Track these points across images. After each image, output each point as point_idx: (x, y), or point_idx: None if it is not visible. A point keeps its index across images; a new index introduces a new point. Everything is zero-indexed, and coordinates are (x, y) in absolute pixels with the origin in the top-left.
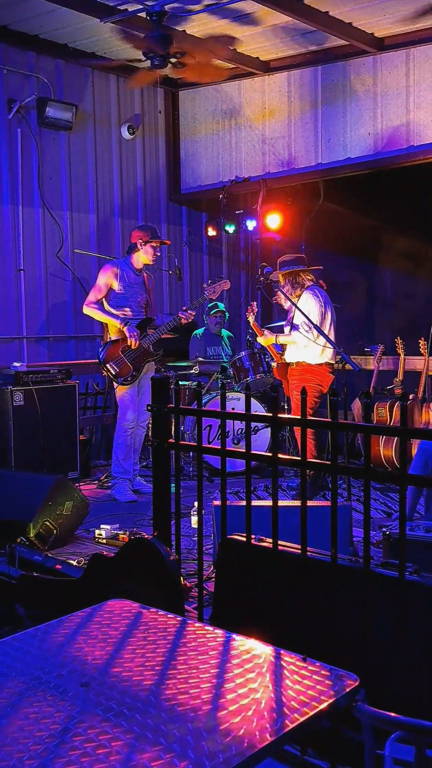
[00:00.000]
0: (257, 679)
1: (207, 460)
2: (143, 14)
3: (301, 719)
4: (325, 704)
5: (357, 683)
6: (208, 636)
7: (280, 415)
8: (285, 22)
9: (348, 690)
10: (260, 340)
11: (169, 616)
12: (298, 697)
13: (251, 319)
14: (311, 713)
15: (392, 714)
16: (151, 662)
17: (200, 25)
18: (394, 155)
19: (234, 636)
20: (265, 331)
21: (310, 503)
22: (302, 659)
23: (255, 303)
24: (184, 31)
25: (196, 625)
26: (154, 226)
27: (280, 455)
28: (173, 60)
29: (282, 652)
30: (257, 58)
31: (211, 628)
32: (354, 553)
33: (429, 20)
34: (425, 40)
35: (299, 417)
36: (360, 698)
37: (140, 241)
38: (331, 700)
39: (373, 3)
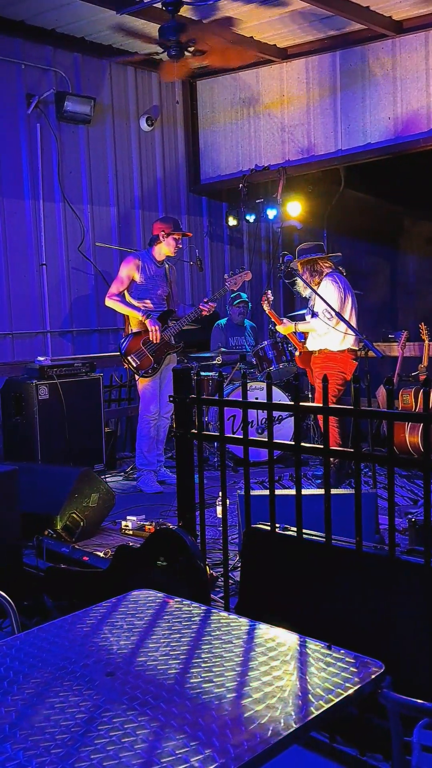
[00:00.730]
0: (282, 667)
1: (231, 450)
2: (159, 5)
3: (326, 706)
4: (350, 691)
5: (382, 670)
6: (232, 625)
7: (302, 404)
8: (302, 7)
9: (373, 677)
10: (279, 328)
11: (193, 605)
12: (323, 684)
13: (266, 307)
14: (336, 700)
15: (418, 701)
16: (176, 651)
17: (217, 13)
18: (414, 139)
19: (258, 624)
20: (284, 320)
21: (334, 491)
22: (327, 647)
23: (270, 291)
24: (201, 20)
25: (221, 614)
26: (176, 218)
27: (303, 444)
28: (191, 49)
29: (306, 639)
30: (274, 45)
31: (235, 617)
32: (380, 541)
33: None
34: None
35: (321, 405)
36: (386, 685)
37: (162, 233)
38: (356, 687)
39: None
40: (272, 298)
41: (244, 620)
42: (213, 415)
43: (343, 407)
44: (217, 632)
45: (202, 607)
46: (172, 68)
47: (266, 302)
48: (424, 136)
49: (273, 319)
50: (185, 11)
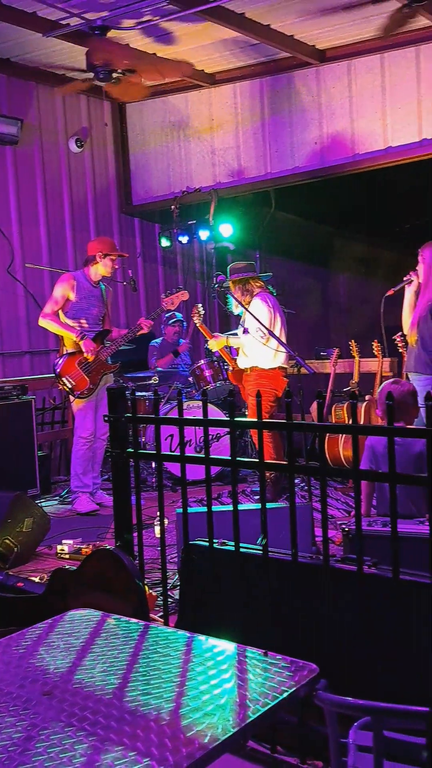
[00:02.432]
0: (219, 676)
1: (170, 470)
2: (86, 28)
3: (262, 710)
4: (285, 694)
5: (317, 672)
6: (170, 638)
7: (237, 419)
8: (228, 35)
9: (308, 679)
10: (211, 342)
11: (132, 621)
12: (260, 690)
13: (197, 320)
14: (272, 703)
15: (350, 699)
16: (114, 667)
17: (140, 40)
18: (339, 163)
19: (197, 636)
20: (216, 334)
21: (270, 505)
22: (263, 653)
23: (200, 305)
24: (128, 44)
25: (160, 628)
26: (112, 240)
27: (238, 458)
28: (119, 71)
29: (244, 647)
30: (203, 70)
31: (173, 630)
32: (317, 552)
33: (367, 33)
34: (364, 52)
35: (256, 420)
36: (321, 687)
37: (99, 253)
38: (291, 690)
39: (312, 17)
40: (203, 312)
41: (182, 633)
42: (150, 435)
43: (277, 421)
44: (156, 646)
45: (141, 623)
46: (117, 90)
47: (197, 316)
48: (349, 160)
49: (204, 333)
50: (114, 35)
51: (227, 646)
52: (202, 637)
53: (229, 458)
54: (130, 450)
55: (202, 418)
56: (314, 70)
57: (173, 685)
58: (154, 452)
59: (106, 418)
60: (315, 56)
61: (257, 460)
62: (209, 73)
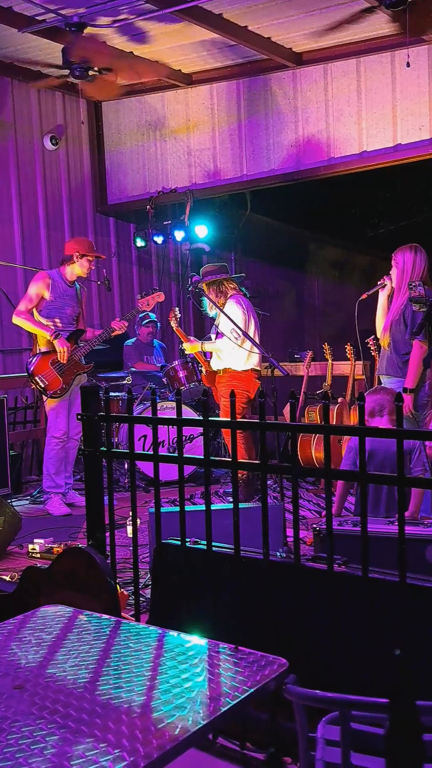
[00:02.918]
0: (190, 670)
1: (142, 470)
2: (63, 25)
3: (233, 703)
4: (255, 687)
5: (286, 666)
6: (142, 633)
7: (210, 419)
8: (206, 36)
9: (278, 673)
10: (185, 346)
11: (103, 617)
12: (229, 683)
13: (174, 323)
14: (242, 696)
15: (318, 692)
16: (86, 661)
17: (117, 38)
18: (315, 166)
19: (168, 632)
20: (192, 338)
21: (242, 505)
22: (234, 648)
23: (177, 308)
24: (105, 42)
25: (131, 624)
26: (90, 241)
27: (211, 458)
28: (96, 68)
29: (215, 643)
30: (180, 70)
31: (145, 626)
32: (288, 551)
33: (343, 37)
34: (341, 56)
35: (229, 419)
36: (290, 681)
37: (77, 253)
38: (260, 684)
39: (290, 19)
40: (179, 315)
41: (153, 628)
42: (123, 436)
43: (250, 421)
44: (127, 641)
45: (113, 619)
46: (92, 88)
47: (173, 319)
48: (324, 163)
49: (180, 336)
50: (91, 32)
51: (198, 641)
52: (173, 633)
53: (203, 458)
54: (103, 449)
55: (175, 417)
56: (291, 72)
57: (144, 678)
58: (128, 451)
59: (79, 417)
60: (292, 59)
61: (230, 460)
62: (186, 73)
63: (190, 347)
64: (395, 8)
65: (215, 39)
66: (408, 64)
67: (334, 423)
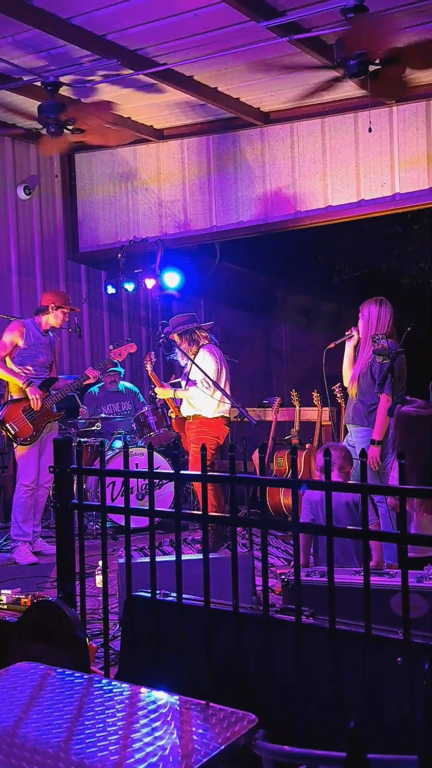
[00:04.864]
0: (162, 727)
1: (111, 518)
2: (39, 83)
3: (204, 760)
4: (225, 744)
5: (256, 722)
6: (114, 690)
7: (182, 472)
8: (179, 98)
9: (248, 729)
10: (158, 390)
11: (76, 674)
12: (201, 740)
13: (149, 368)
14: (213, 753)
15: (286, 747)
16: (59, 720)
17: (96, 95)
18: (282, 219)
19: (139, 689)
20: (165, 384)
21: (212, 555)
22: (205, 705)
23: (153, 353)
24: (79, 99)
25: (103, 681)
26: (66, 294)
27: (182, 511)
28: (70, 127)
29: (186, 699)
30: (151, 126)
31: (117, 683)
32: (257, 601)
33: (309, 99)
34: (307, 116)
35: (200, 473)
36: (260, 737)
37: (52, 305)
38: (231, 740)
39: (258, 81)
40: (155, 360)
41: (126, 685)
42: (92, 481)
43: (220, 474)
44: (100, 699)
45: (85, 676)
46: (50, 143)
47: (149, 363)
48: (291, 217)
49: (154, 381)
50: (65, 91)
51: (170, 698)
52: (144, 690)
53: (173, 510)
54: (74, 502)
55: (147, 471)
56: (259, 130)
57: (117, 737)
58: (99, 504)
59: (50, 469)
60: (260, 118)
61: (201, 513)
62: (158, 129)
63: (162, 392)
64: (358, 77)
65: (186, 98)
66: (370, 129)
67: (302, 469)
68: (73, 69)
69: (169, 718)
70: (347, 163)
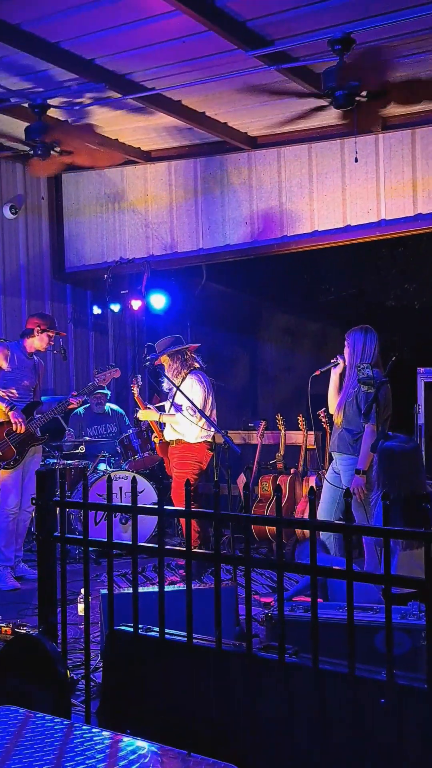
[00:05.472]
0: None
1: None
2: (26, 104)
3: None
4: None
5: None
6: (95, 739)
7: (166, 507)
8: (167, 122)
9: None
10: (141, 413)
11: (56, 720)
12: None
13: (135, 391)
14: None
15: None
16: None
17: (84, 118)
18: (269, 243)
19: (120, 737)
20: (151, 407)
21: (195, 587)
22: (186, 754)
23: (140, 376)
24: (66, 121)
25: (84, 728)
26: (52, 318)
27: (166, 547)
28: (57, 149)
29: (167, 749)
30: (139, 148)
31: (97, 730)
32: (240, 633)
33: (296, 124)
34: (294, 141)
35: (184, 509)
36: None
37: (38, 328)
38: None
39: (246, 107)
40: (141, 383)
41: (107, 733)
42: (76, 496)
43: (204, 511)
44: (80, 747)
45: (65, 722)
46: (40, 165)
47: (135, 386)
48: (278, 241)
49: (138, 404)
50: (53, 112)
51: (151, 748)
52: (125, 738)
53: (156, 546)
54: (56, 534)
55: (131, 505)
56: (246, 154)
57: None
58: (81, 538)
59: (33, 501)
60: (247, 142)
61: (185, 549)
62: (145, 151)
63: (145, 415)
64: (344, 108)
65: (174, 122)
66: (356, 160)
67: (286, 494)
68: (61, 92)
69: None
70: (333, 189)
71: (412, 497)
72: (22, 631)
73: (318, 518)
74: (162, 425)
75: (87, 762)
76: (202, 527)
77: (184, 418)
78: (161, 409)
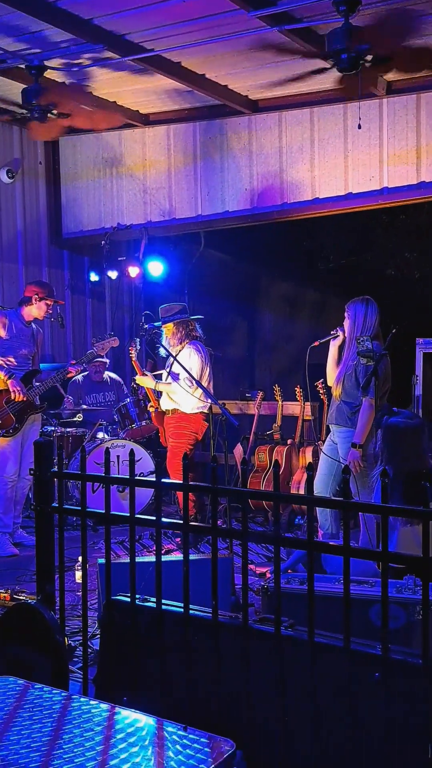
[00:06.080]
0: (140, 753)
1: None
2: (23, 66)
3: None
4: None
5: (233, 749)
6: (93, 711)
7: (163, 480)
8: (164, 82)
9: (225, 756)
10: (138, 378)
11: (54, 692)
12: (179, 767)
13: (133, 355)
14: None
15: None
16: (38, 742)
17: (81, 79)
18: (269, 210)
19: (118, 709)
20: (147, 374)
21: (192, 557)
22: (183, 728)
23: (138, 340)
24: (63, 83)
25: (81, 700)
26: (50, 285)
27: (163, 519)
28: (54, 111)
29: (164, 723)
30: (137, 111)
31: (95, 702)
32: (236, 603)
33: (297, 87)
34: (295, 105)
35: (181, 483)
36: (237, 761)
37: (36, 296)
38: None
39: (247, 69)
40: (139, 348)
41: (104, 705)
42: (73, 468)
43: (201, 485)
44: (78, 719)
45: (63, 694)
46: (40, 128)
47: (134, 350)
48: (278, 209)
49: (135, 369)
50: (50, 74)
51: (148, 720)
52: (122, 711)
53: (154, 519)
54: (54, 505)
55: (128, 477)
56: (246, 118)
57: (95, 762)
58: (79, 509)
59: (30, 472)
60: (247, 106)
61: (181, 522)
62: (143, 114)
63: (142, 381)
64: (348, 72)
65: (174, 84)
66: (360, 126)
67: (283, 465)
68: (58, 53)
69: (147, 743)
70: (335, 155)
71: (415, 474)
72: (21, 597)
73: (314, 489)
74: (158, 394)
75: (85, 734)
76: (198, 495)
77: (180, 387)
78: (158, 378)
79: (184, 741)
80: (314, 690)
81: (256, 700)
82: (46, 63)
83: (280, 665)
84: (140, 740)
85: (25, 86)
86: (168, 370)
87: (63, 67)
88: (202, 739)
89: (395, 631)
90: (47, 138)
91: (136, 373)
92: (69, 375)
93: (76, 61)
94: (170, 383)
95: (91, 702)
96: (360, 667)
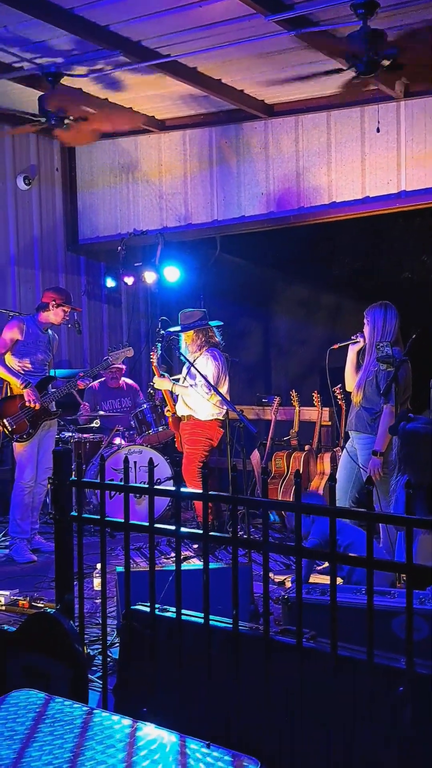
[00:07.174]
0: None
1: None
2: (39, 72)
3: None
4: None
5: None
6: (115, 727)
7: (183, 490)
8: (180, 87)
9: None
10: (156, 380)
11: (75, 706)
12: None
13: (154, 360)
14: None
15: None
16: (59, 759)
17: (92, 85)
18: (285, 215)
19: (139, 724)
20: (165, 375)
21: (212, 566)
22: (206, 746)
23: (159, 345)
24: (80, 89)
25: (103, 715)
26: (68, 293)
27: (183, 529)
28: (71, 119)
29: (186, 739)
30: (153, 116)
31: (117, 718)
32: (255, 611)
33: (314, 91)
34: (312, 109)
35: (201, 492)
36: None
37: (53, 302)
38: None
39: (263, 73)
40: (160, 352)
41: (126, 721)
42: (90, 474)
43: (221, 494)
44: (100, 735)
45: (84, 708)
46: (68, 135)
47: (155, 355)
48: (294, 213)
49: (155, 372)
50: (67, 81)
51: (170, 737)
52: (144, 727)
53: (174, 528)
54: (73, 514)
55: (147, 486)
56: (263, 123)
57: None
58: (98, 518)
59: (49, 481)
60: (264, 110)
61: (201, 532)
62: (159, 119)
63: (160, 383)
64: (365, 76)
65: (189, 90)
66: (378, 129)
67: (301, 471)
68: (75, 59)
69: (170, 761)
70: (353, 159)
71: None
72: (39, 605)
73: None
74: (175, 398)
75: (107, 751)
76: (217, 514)
77: (196, 392)
78: (176, 381)
79: (208, 759)
80: (336, 704)
81: (277, 713)
82: (63, 71)
83: (300, 678)
84: (163, 758)
85: (42, 93)
86: (186, 373)
87: (80, 75)
88: (226, 757)
89: (418, 643)
90: (78, 144)
91: (155, 376)
92: (79, 387)
93: (92, 68)
94: (187, 387)
95: (113, 717)
96: (383, 679)
